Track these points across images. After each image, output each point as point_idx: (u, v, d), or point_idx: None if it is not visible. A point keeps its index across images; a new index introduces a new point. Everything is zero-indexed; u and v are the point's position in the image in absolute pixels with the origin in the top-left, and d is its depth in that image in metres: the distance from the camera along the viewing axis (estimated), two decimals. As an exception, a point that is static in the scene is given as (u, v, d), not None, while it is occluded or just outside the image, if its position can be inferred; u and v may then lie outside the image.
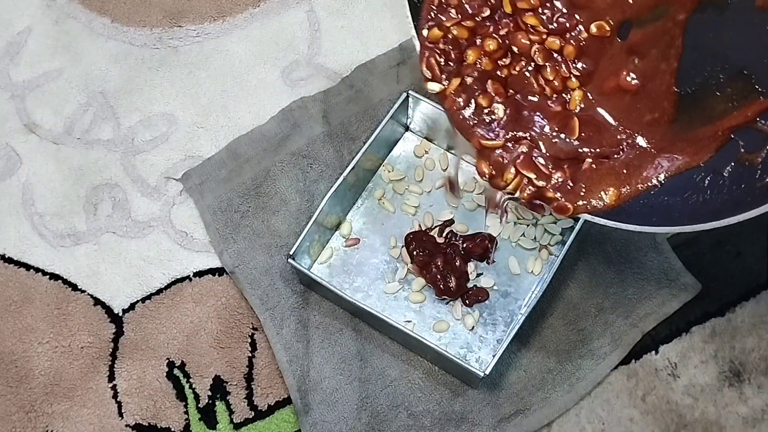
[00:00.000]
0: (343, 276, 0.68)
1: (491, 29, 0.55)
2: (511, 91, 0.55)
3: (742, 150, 0.49)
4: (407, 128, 0.72)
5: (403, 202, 0.70)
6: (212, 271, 0.70)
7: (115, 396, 0.67)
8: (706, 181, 0.50)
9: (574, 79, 0.54)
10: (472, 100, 0.55)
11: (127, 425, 0.66)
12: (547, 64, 0.54)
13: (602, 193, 0.54)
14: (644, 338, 0.67)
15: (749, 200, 0.46)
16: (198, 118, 0.75)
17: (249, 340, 0.68)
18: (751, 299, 0.68)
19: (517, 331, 0.62)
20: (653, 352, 0.67)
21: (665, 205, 0.51)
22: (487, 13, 0.55)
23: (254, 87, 0.76)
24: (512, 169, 0.54)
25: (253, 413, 0.66)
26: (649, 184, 0.53)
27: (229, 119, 0.75)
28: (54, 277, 0.70)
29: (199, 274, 0.70)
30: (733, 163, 0.49)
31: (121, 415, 0.67)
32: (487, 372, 0.61)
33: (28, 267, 0.71)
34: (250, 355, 0.68)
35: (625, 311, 0.67)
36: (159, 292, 0.70)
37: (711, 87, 0.50)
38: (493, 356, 0.61)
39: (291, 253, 0.64)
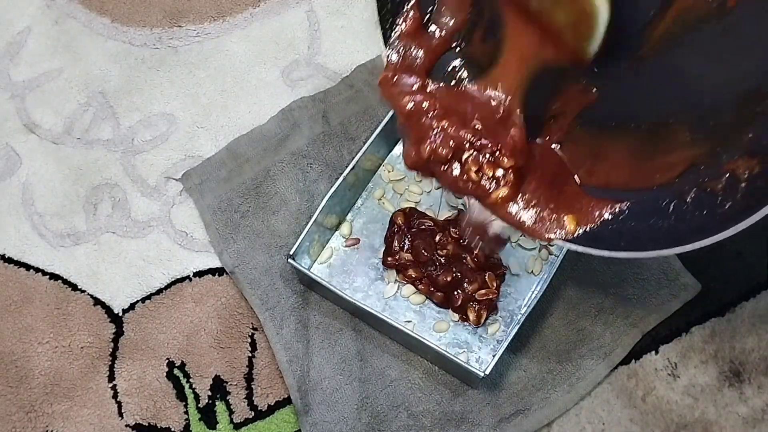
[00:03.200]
0: (343, 276, 0.68)
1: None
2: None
3: (704, 177, 0.50)
4: (407, 128, 0.72)
5: (403, 202, 0.70)
6: (212, 271, 0.70)
7: (115, 396, 0.67)
8: (671, 207, 0.51)
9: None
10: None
11: (127, 425, 0.66)
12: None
13: (563, 220, 0.55)
14: (644, 338, 0.67)
15: (711, 225, 0.47)
16: (198, 117, 0.75)
17: (249, 340, 0.68)
18: (751, 299, 0.68)
19: (517, 331, 0.62)
20: (653, 352, 0.67)
21: (633, 231, 0.53)
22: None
23: (254, 87, 0.76)
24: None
25: (253, 413, 0.66)
26: (614, 211, 0.54)
27: (229, 119, 0.75)
28: (54, 277, 0.70)
29: (199, 274, 0.70)
30: (695, 189, 0.50)
31: (121, 415, 0.67)
32: (487, 372, 0.61)
33: (28, 267, 0.71)
34: (250, 355, 0.68)
35: (625, 311, 0.67)
36: (159, 292, 0.70)
37: (669, 119, 0.52)
38: (493, 356, 0.61)
39: (291, 253, 0.64)
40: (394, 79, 0.58)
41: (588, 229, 0.55)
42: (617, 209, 0.54)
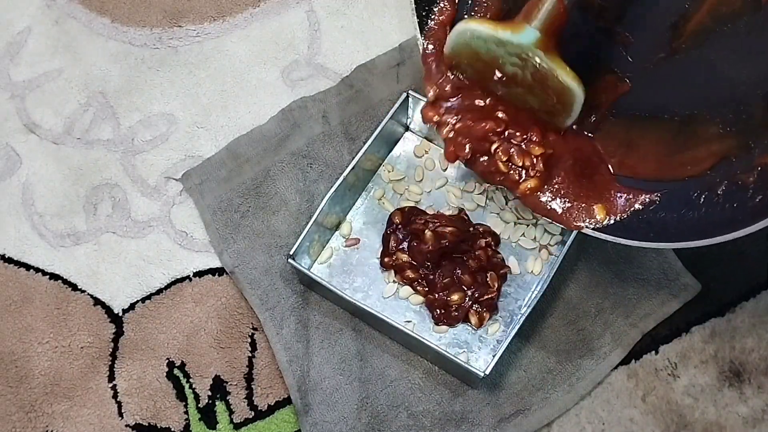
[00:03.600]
0: (343, 276, 0.68)
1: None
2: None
3: (736, 170, 0.50)
4: (407, 128, 0.72)
5: (403, 201, 0.70)
6: (212, 271, 0.70)
7: (115, 396, 0.67)
8: (702, 199, 0.51)
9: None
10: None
11: (127, 425, 0.66)
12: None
13: (592, 209, 0.56)
14: (644, 338, 0.67)
15: (741, 218, 0.47)
16: (198, 118, 0.75)
17: (249, 340, 0.68)
18: (751, 299, 0.68)
19: (517, 331, 0.62)
20: (653, 352, 0.67)
21: (662, 221, 0.53)
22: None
23: (254, 87, 0.76)
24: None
25: (253, 413, 0.66)
26: (645, 201, 0.54)
27: (229, 119, 0.75)
28: (54, 277, 0.70)
29: (199, 274, 0.70)
30: (726, 182, 0.50)
31: (121, 415, 0.67)
32: (487, 372, 0.61)
33: (28, 267, 0.71)
34: (250, 355, 0.68)
35: (625, 311, 0.67)
36: (159, 292, 0.70)
37: (702, 112, 0.52)
38: (493, 356, 0.61)
39: (291, 253, 0.64)
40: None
41: (618, 218, 0.55)
42: (648, 199, 0.54)
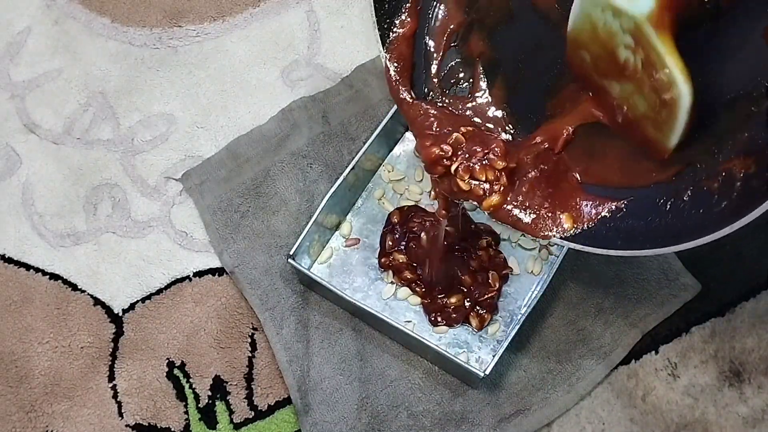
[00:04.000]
0: (343, 276, 0.68)
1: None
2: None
3: (701, 176, 0.50)
4: (407, 128, 0.72)
5: (402, 201, 0.70)
6: (212, 271, 0.70)
7: (115, 396, 0.67)
8: (668, 206, 0.51)
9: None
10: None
11: (127, 425, 0.66)
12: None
13: (559, 218, 0.55)
14: (644, 338, 0.67)
15: (707, 225, 0.47)
16: (198, 118, 0.75)
17: (249, 340, 0.68)
18: (751, 299, 0.68)
19: (517, 331, 0.62)
20: (653, 352, 0.67)
21: (630, 229, 0.53)
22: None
23: (254, 87, 0.76)
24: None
25: (253, 413, 0.66)
26: (612, 209, 0.54)
27: (229, 119, 0.75)
28: (54, 277, 0.70)
29: (199, 274, 0.70)
30: (692, 188, 0.50)
31: (121, 415, 0.67)
32: (487, 372, 0.61)
33: (28, 267, 0.71)
34: (250, 355, 0.68)
35: (625, 311, 0.67)
36: (159, 292, 0.70)
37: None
38: (493, 356, 0.61)
39: (291, 253, 0.64)
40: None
41: (585, 227, 0.55)
42: (614, 207, 0.54)
